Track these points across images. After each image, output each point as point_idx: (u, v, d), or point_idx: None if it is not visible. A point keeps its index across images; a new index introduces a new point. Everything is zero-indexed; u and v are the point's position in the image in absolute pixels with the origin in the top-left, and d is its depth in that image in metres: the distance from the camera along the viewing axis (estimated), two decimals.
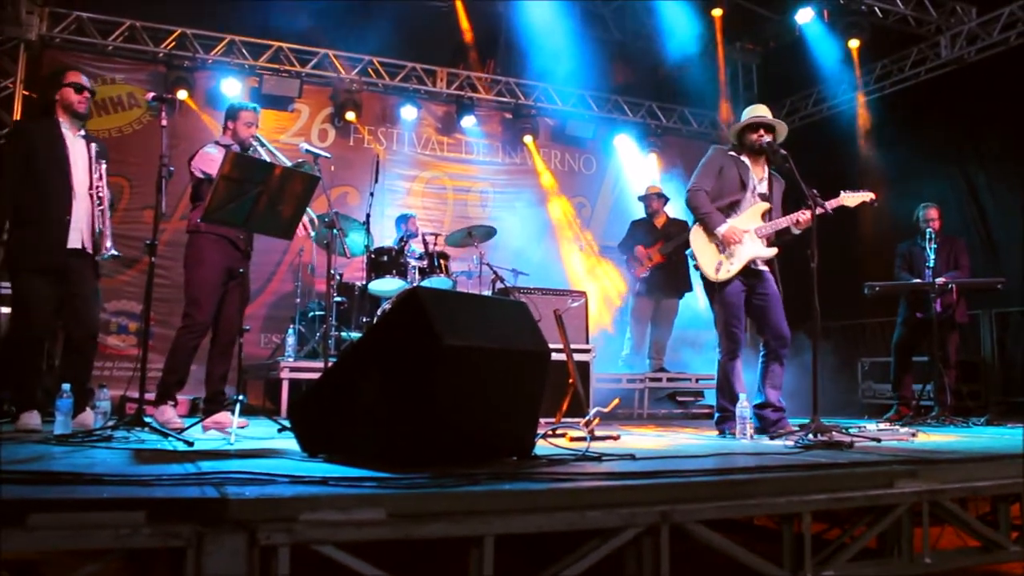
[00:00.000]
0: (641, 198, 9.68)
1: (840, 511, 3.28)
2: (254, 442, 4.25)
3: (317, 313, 8.56)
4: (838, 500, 3.00)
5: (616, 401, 5.50)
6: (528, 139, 11.17)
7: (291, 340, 7.57)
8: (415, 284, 7.96)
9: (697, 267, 5.40)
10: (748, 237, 5.31)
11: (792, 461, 3.46)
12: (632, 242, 9.41)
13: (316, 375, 7.20)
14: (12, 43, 8.66)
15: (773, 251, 5.40)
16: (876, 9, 9.65)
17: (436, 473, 2.65)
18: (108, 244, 5.00)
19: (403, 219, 9.04)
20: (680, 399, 9.02)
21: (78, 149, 4.99)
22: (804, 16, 9.68)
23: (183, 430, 4.40)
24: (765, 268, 5.39)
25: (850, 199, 5.52)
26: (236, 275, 5.50)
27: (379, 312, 7.88)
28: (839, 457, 3.70)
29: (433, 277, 8.22)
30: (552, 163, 11.57)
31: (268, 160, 4.96)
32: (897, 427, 5.50)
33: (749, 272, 5.31)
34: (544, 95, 11.35)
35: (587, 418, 4.81)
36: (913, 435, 5.25)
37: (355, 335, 7.86)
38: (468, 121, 10.83)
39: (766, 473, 3.06)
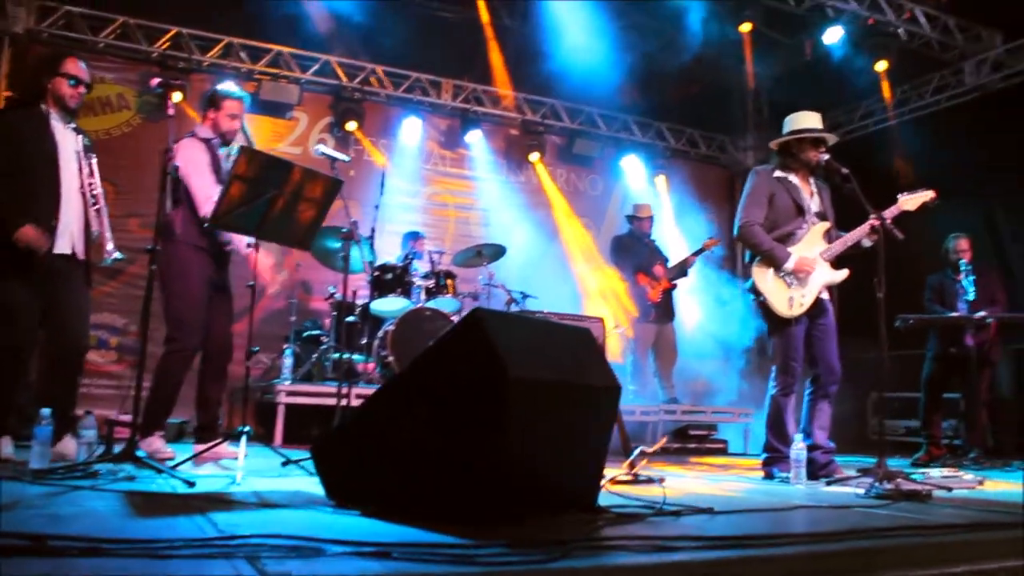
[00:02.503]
0: (632, 218, 9.20)
1: None
2: (261, 480, 3.69)
3: (313, 332, 8.01)
4: (980, 573, 2.50)
5: (664, 440, 5.00)
6: (535, 156, 10.68)
7: (288, 361, 6.99)
8: (420, 304, 7.46)
9: (763, 304, 4.88)
10: (817, 264, 4.85)
11: (912, 521, 2.96)
12: (638, 262, 8.89)
13: (316, 400, 6.68)
14: None
15: (844, 273, 4.93)
16: (901, 31, 9.27)
17: (514, 540, 2.13)
18: (110, 247, 4.39)
19: (411, 236, 8.53)
20: (694, 432, 8.51)
21: (68, 143, 4.40)
22: (833, 35, 9.24)
23: (175, 465, 3.82)
24: (826, 296, 4.92)
25: (909, 202, 5.04)
26: (219, 286, 4.95)
27: (381, 333, 7.35)
28: (953, 516, 3.19)
29: (439, 297, 7.72)
30: (558, 182, 11.10)
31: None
32: (962, 473, 5.03)
33: (814, 302, 4.84)
34: (552, 112, 10.90)
35: (631, 458, 4.31)
36: (980, 483, 4.78)
37: (356, 357, 7.31)
38: (473, 136, 10.33)
39: (898, 538, 2.55)
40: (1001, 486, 4.84)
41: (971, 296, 7.01)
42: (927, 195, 5.05)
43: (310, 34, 9.22)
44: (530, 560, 1.95)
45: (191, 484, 3.22)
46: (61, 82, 4.42)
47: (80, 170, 4.40)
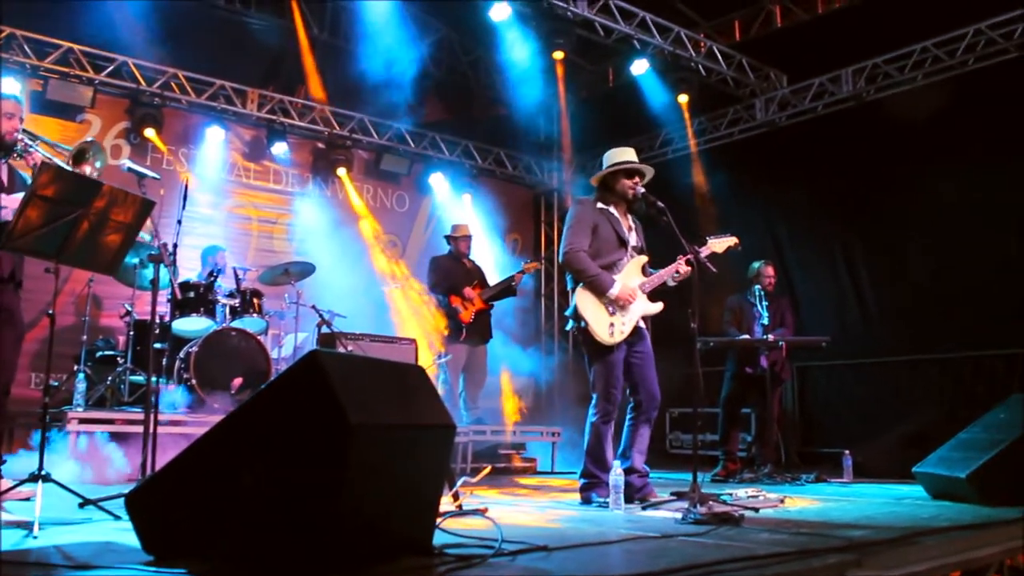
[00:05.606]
0: (449, 238, 9.08)
1: None
2: (60, 530, 3.37)
3: (107, 352, 7.47)
4: None
5: (488, 469, 5.00)
6: (342, 171, 10.50)
7: (81, 386, 6.45)
8: (226, 324, 7.13)
9: (584, 330, 4.98)
10: (637, 294, 5.02)
11: (742, 551, 3.08)
12: (453, 282, 8.79)
13: (113, 428, 6.21)
14: None
15: (659, 306, 5.13)
16: (701, 67, 9.83)
17: None
18: None
19: (211, 252, 8.10)
20: (502, 452, 8.61)
21: None
22: (639, 67, 9.67)
23: None
24: (643, 325, 5.11)
25: (717, 245, 5.39)
26: None
27: (183, 354, 6.95)
28: (776, 544, 3.36)
29: (245, 317, 7.42)
30: (365, 198, 10.96)
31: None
32: (763, 492, 5.35)
33: (632, 330, 5.00)
34: (359, 126, 10.74)
35: (454, 489, 4.28)
36: (782, 501, 5.12)
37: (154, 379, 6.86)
38: (279, 148, 10.01)
39: (736, 572, 2.65)
40: (799, 503, 5.19)
41: (766, 320, 7.49)
42: (732, 241, 5.44)
43: (105, 32, 8.63)
44: None
45: None
46: None
47: None
